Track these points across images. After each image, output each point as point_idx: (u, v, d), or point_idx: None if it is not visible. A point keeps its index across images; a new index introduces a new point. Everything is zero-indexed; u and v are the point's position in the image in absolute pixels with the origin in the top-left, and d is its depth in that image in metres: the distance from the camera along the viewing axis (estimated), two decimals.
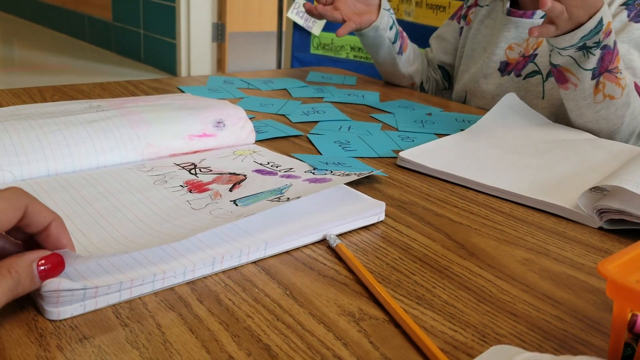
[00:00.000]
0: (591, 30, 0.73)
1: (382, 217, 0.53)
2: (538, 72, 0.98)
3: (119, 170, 0.57)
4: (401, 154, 0.69)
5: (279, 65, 2.64)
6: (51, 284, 0.35)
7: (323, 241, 0.50)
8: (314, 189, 0.52)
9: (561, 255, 0.50)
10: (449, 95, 1.18)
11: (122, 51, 4.40)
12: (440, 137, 0.78)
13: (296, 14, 2.14)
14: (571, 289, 0.45)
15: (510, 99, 0.86)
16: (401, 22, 1.61)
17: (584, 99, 0.80)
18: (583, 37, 0.74)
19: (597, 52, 0.75)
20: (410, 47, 1.09)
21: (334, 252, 0.48)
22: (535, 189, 0.61)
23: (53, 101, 0.86)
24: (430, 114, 0.92)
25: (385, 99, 1.01)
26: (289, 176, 0.58)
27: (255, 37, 3.99)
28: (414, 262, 0.48)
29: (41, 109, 0.66)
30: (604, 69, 0.77)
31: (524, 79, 0.99)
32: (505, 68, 1.01)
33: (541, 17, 0.99)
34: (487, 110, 0.90)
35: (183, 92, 0.96)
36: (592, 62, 0.76)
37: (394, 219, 0.55)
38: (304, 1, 2.12)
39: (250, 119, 0.84)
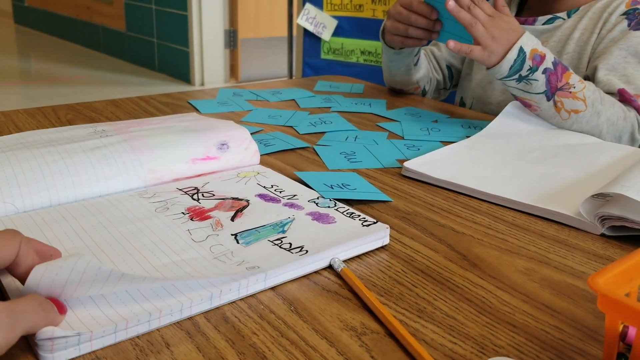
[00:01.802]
0: (515, 59, 0.79)
1: (386, 240, 0.53)
2: None
3: (120, 198, 0.58)
4: (405, 164, 0.70)
5: (290, 71, 2.66)
6: (45, 332, 0.36)
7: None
8: (316, 232, 0.52)
9: (562, 264, 0.51)
10: (446, 94, 1.18)
11: (136, 60, 4.45)
12: (445, 145, 0.79)
13: (306, 20, 2.16)
14: (571, 298, 0.46)
15: (514, 106, 0.87)
16: None
17: (552, 117, 0.84)
18: (511, 67, 0.80)
19: (540, 77, 0.80)
20: (421, 53, 1.10)
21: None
22: (538, 197, 0.62)
23: (68, 120, 0.88)
24: (436, 121, 0.93)
25: (392, 107, 1.02)
26: (292, 205, 0.58)
27: (267, 42, 4.02)
28: (417, 274, 0.49)
29: (45, 135, 0.67)
30: (554, 88, 0.81)
31: None
32: None
33: (542, 24, 0.99)
34: (494, 115, 0.91)
35: (193, 106, 0.98)
36: (539, 86, 0.81)
37: (398, 231, 0.56)
38: (312, 6, 2.15)
39: (258, 131, 0.86)
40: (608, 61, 0.89)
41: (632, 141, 0.86)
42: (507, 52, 0.80)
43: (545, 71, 0.80)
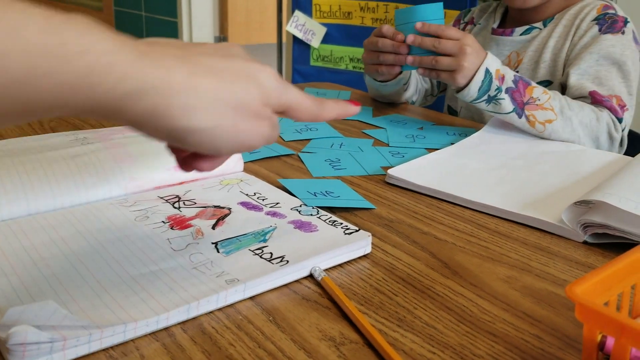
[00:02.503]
0: (482, 80, 0.81)
1: (368, 249, 0.53)
2: None
3: (100, 207, 0.57)
4: (390, 171, 0.70)
5: None
6: (18, 336, 0.35)
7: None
8: (298, 241, 0.52)
9: (544, 272, 0.51)
10: (433, 100, 1.19)
11: None
12: (430, 152, 0.79)
13: (295, 27, 2.16)
14: (551, 306, 0.46)
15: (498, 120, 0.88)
16: None
17: (530, 131, 0.84)
18: (480, 89, 0.81)
19: (505, 96, 0.82)
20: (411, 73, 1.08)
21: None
22: (521, 204, 0.62)
23: (51, 127, 0.87)
24: (422, 128, 0.93)
25: (378, 114, 1.02)
26: (274, 213, 0.57)
27: (258, 49, 4.01)
28: (398, 282, 0.49)
29: (26, 143, 0.66)
30: (522, 104, 0.82)
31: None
32: None
33: (520, 35, 1.00)
34: (481, 123, 0.91)
35: None
36: (507, 105, 0.82)
37: (380, 239, 0.56)
38: (301, 14, 2.15)
39: None
40: (579, 66, 0.90)
41: (611, 140, 0.87)
42: (474, 75, 0.81)
43: (507, 90, 0.82)
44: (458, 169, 0.72)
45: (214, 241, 0.51)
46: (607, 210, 0.55)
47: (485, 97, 0.82)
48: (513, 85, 0.82)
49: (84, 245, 0.50)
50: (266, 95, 0.38)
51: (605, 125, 0.85)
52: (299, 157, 0.78)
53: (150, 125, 0.34)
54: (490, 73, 0.81)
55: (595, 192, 0.57)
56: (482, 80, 0.81)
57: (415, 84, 1.10)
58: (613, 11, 0.94)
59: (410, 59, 0.85)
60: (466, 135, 0.85)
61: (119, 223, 0.54)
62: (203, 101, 0.35)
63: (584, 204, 0.58)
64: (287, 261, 0.48)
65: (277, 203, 0.60)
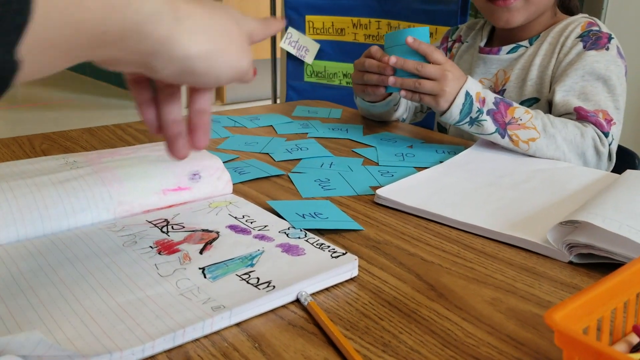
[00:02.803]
0: (463, 103, 0.83)
1: (355, 272, 0.53)
2: None
3: (88, 232, 0.57)
4: (378, 191, 0.71)
5: (274, 93, 2.67)
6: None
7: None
8: (285, 265, 0.52)
9: (529, 293, 0.51)
10: (423, 117, 1.20)
11: (122, 84, 4.45)
12: (419, 171, 0.79)
13: (289, 43, 2.17)
14: (535, 329, 0.46)
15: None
16: None
17: (515, 150, 0.85)
18: (461, 111, 0.83)
19: (487, 118, 0.83)
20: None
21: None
22: (507, 224, 0.62)
23: (42, 149, 0.88)
24: (411, 146, 0.93)
25: (369, 132, 1.03)
26: (262, 237, 0.58)
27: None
28: (384, 306, 0.49)
29: (17, 167, 0.67)
30: (504, 124, 0.84)
31: None
32: None
33: (507, 53, 1.02)
34: (470, 140, 0.91)
35: None
36: (489, 126, 0.84)
37: (367, 261, 0.56)
38: (294, 30, 2.16)
39: (234, 159, 0.86)
40: (565, 83, 0.91)
41: (598, 155, 0.87)
42: (455, 98, 0.83)
43: (489, 112, 0.83)
44: (446, 188, 0.73)
45: (201, 266, 0.52)
46: (592, 231, 0.55)
47: (467, 119, 0.84)
48: (494, 107, 0.84)
49: (72, 271, 0.50)
50: (239, 24, 0.44)
51: (591, 140, 0.86)
52: (289, 178, 0.79)
53: (166, 53, 0.37)
54: (471, 96, 0.83)
55: (579, 212, 0.57)
56: (463, 103, 0.83)
57: (406, 103, 1.11)
58: (597, 28, 0.96)
59: (392, 79, 0.86)
60: (455, 153, 0.86)
61: (107, 248, 0.54)
62: (202, 26, 0.39)
63: (570, 224, 0.59)
64: (274, 286, 0.48)
65: (266, 226, 0.60)
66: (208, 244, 0.56)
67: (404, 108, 1.10)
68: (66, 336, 0.41)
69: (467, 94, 0.83)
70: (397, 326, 0.46)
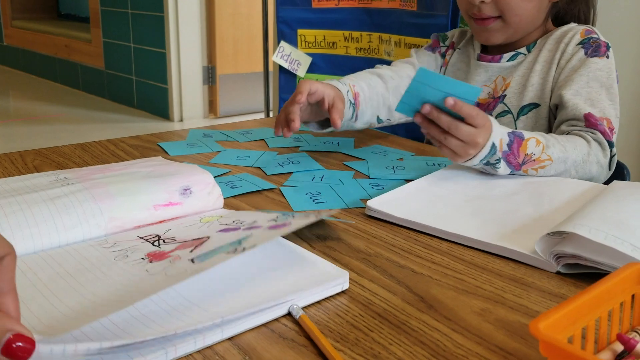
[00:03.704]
0: (486, 154, 0.77)
1: (346, 286, 0.53)
2: (508, 111, 1.01)
3: (79, 248, 0.58)
4: (369, 203, 0.71)
5: (267, 107, 2.68)
6: None
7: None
8: (272, 235, 0.53)
9: (517, 304, 0.52)
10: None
11: (115, 98, 4.46)
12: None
13: (281, 57, 2.19)
14: (524, 339, 0.47)
15: None
16: (382, 62, 1.65)
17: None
18: (481, 161, 0.78)
19: (502, 164, 0.79)
20: (363, 101, 1.00)
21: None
22: (496, 235, 0.63)
23: (34, 165, 0.88)
24: (402, 159, 0.94)
25: (360, 145, 1.04)
26: (250, 228, 0.59)
27: (246, 78, 4.05)
28: (374, 317, 0.49)
29: (7, 185, 0.67)
30: (518, 166, 0.80)
31: (495, 118, 1.01)
32: None
33: (507, 61, 1.03)
34: None
35: (163, 148, 0.98)
36: (503, 170, 0.80)
37: (358, 273, 0.57)
38: (287, 44, 2.18)
39: (225, 173, 0.86)
40: (571, 87, 0.92)
41: (601, 168, 0.87)
42: (479, 152, 0.77)
43: (504, 154, 0.79)
44: (436, 200, 0.73)
45: (190, 258, 0.53)
46: (579, 241, 0.56)
47: (485, 161, 0.79)
48: (507, 149, 0.79)
49: (64, 285, 0.50)
50: None
51: (594, 158, 0.86)
52: (281, 191, 0.79)
53: None
54: (495, 147, 0.77)
55: (566, 223, 0.58)
56: (486, 155, 0.77)
57: (372, 110, 1.03)
58: (596, 35, 0.97)
59: (418, 118, 0.77)
60: (445, 165, 0.87)
61: (98, 263, 0.55)
62: None
63: (557, 235, 0.60)
64: (254, 245, 0.50)
65: (255, 221, 0.61)
66: (199, 245, 0.57)
67: (369, 116, 1.03)
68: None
69: (493, 145, 0.77)
70: (387, 337, 0.47)
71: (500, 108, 1.02)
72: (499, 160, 0.79)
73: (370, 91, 1.01)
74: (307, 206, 0.74)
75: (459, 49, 1.13)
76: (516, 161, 0.80)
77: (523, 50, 1.02)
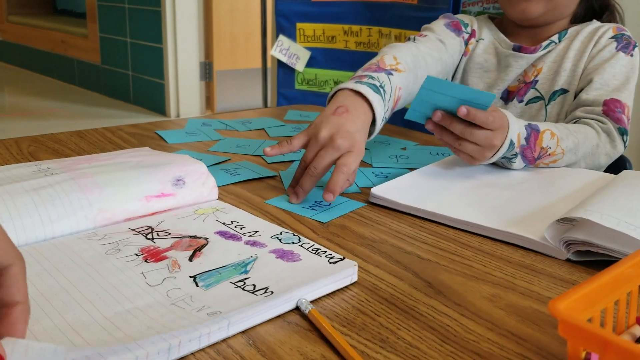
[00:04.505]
0: (505, 152, 0.75)
1: (354, 278, 0.51)
2: (540, 97, 1.00)
3: (67, 242, 0.54)
4: (373, 190, 0.70)
5: (265, 102, 2.66)
6: None
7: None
8: (281, 272, 0.50)
9: (528, 290, 0.50)
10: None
11: (111, 93, 4.43)
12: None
13: (279, 51, 2.17)
14: (536, 325, 0.45)
15: None
16: None
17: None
18: (500, 157, 0.76)
19: (518, 158, 0.78)
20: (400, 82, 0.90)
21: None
22: (504, 221, 0.62)
23: (29, 151, 0.86)
24: (405, 148, 0.93)
25: None
26: (254, 243, 0.56)
27: (243, 74, 4.03)
28: (381, 303, 0.48)
29: None
30: (533, 160, 0.79)
31: (526, 104, 1.01)
32: (507, 96, 1.03)
33: (542, 49, 1.00)
34: None
35: (161, 136, 0.97)
36: (518, 164, 0.79)
37: (363, 259, 0.55)
38: (285, 38, 2.16)
39: (225, 161, 0.85)
40: (602, 76, 0.94)
41: (609, 159, 0.88)
42: (496, 152, 0.74)
43: (520, 149, 0.77)
44: (441, 188, 0.72)
45: (192, 274, 0.49)
46: (590, 228, 0.55)
47: (502, 156, 0.77)
48: (525, 143, 0.77)
49: (51, 282, 0.47)
50: None
51: (603, 149, 0.87)
52: (282, 178, 0.78)
53: None
54: (513, 143, 0.75)
55: (577, 210, 0.57)
56: (505, 152, 0.75)
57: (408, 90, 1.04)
58: (627, 34, 0.99)
59: (430, 125, 0.74)
60: (450, 154, 0.85)
61: (88, 257, 0.51)
62: None
63: (567, 222, 0.58)
64: (272, 292, 0.46)
65: (257, 231, 0.58)
66: (197, 250, 0.54)
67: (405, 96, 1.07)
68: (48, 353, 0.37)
69: (511, 142, 0.75)
70: (394, 322, 0.45)
71: (532, 94, 1.00)
72: (515, 155, 0.78)
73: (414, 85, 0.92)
74: (311, 193, 0.72)
75: (482, 39, 1.09)
76: (532, 155, 0.79)
77: (554, 38, 1.01)
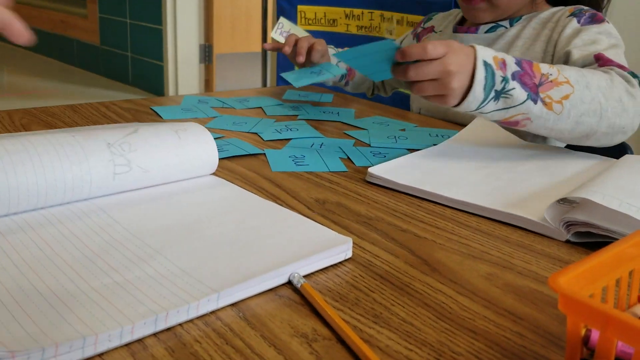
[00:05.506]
0: (485, 77, 0.66)
1: (349, 254, 0.50)
2: None
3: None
4: (370, 169, 0.68)
5: (264, 84, 2.64)
6: None
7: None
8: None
9: (526, 269, 0.49)
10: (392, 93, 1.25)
11: (110, 74, 4.40)
12: (412, 152, 0.77)
13: (279, 34, 2.14)
14: (534, 304, 0.44)
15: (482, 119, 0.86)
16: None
17: (547, 121, 0.70)
18: (485, 88, 0.67)
19: (515, 84, 0.67)
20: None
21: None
22: (503, 202, 0.60)
23: (22, 124, 0.84)
24: (404, 130, 0.91)
25: (361, 116, 1.00)
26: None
27: (243, 57, 4.00)
28: (375, 279, 0.47)
29: None
30: (535, 87, 0.68)
31: None
32: None
33: (485, 32, 0.98)
34: (458, 124, 0.89)
35: (156, 112, 0.95)
36: (520, 94, 0.68)
37: (358, 236, 0.54)
38: (286, 20, 2.13)
39: (218, 137, 0.83)
40: (575, 43, 0.86)
41: (633, 97, 0.74)
42: (471, 77, 0.67)
43: (514, 76, 0.67)
44: (440, 169, 0.70)
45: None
46: (591, 209, 0.54)
47: (493, 94, 0.67)
48: (518, 68, 0.68)
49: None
50: None
51: (620, 85, 0.73)
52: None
53: None
54: (490, 65, 0.67)
55: (579, 190, 0.55)
56: (485, 77, 0.66)
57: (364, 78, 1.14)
58: (587, 8, 0.92)
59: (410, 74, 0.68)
60: (449, 137, 0.84)
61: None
62: None
63: (567, 203, 0.57)
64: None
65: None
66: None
67: (358, 81, 1.18)
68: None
69: (485, 63, 0.66)
70: (388, 298, 0.44)
71: None
72: (506, 80, 0.67)
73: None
74: (287, 167, 0.71)
75: (440, 30, 1.11)
76: (532, 82, 0.68)
77: (505, 23, 0.97)
